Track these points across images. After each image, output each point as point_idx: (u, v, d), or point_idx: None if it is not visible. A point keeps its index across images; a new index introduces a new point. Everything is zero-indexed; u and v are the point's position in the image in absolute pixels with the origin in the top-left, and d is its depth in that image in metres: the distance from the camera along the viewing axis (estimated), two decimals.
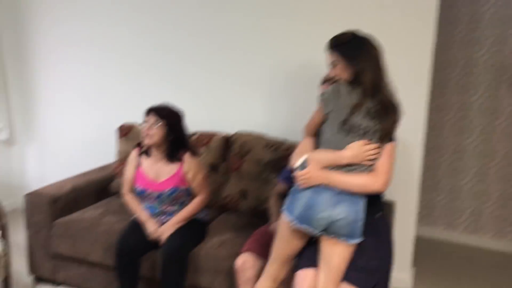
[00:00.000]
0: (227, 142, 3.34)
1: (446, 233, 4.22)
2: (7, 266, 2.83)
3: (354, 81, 2.10)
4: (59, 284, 3.17)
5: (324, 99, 2.16)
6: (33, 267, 3.17)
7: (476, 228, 4.13)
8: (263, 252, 2.48)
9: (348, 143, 2.09)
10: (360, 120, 2.08)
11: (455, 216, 4.18)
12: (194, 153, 2.84)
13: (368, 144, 2.09)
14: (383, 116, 2.09)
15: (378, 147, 2.11)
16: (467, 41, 3.89)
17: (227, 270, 2.62)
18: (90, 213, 3.12)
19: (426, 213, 4.26)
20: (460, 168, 4.11)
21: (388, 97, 2.12)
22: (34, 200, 3.05)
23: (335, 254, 2.16)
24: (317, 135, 2.26)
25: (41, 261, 3.13)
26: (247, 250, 2.52)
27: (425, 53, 3.00)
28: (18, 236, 3.69)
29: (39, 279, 3.21)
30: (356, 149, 2.08)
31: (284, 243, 2.26)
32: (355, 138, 2.09)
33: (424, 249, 3.98)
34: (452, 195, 4.17)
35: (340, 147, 2.11)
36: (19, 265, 3.37)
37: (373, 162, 2.13)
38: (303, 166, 2.11)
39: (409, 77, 3.00)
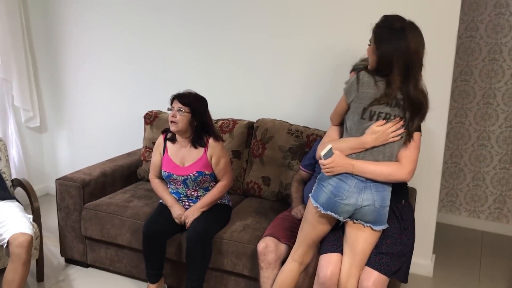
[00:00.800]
0: (250, 128, 3.38)
1: (469, 220, 4.21)
2: (39, 248, 2.95)
3: (379, 69, 2.06)
4: (88, 265, 3.27)
5: (346, 89, 2.14)
6: (64, 249, 3.28)
7: (500, 215, 4.11)
8: (285, 236, 2.54)
9: None
10: (382, 108, 2.06)
11: (478, 203, 4.17)
12: (218, 138, 2.88)
13: (385, 123, 2.07)
14: (408, 109, 2.06)
15: (398, 121, 2.07)
16: (493, 26, 3.84)
17: (250, 253, 2.67)
18: (118, 197, 3.21)
19: (449, 200, 4.25)
20: (484, 155, 4.08)
21: (415, 91, 2.03)
22: (65, 185, 3.15)
23: (360, 239, 2.19)
24: (342, 124, 2.26)
25: (71, 244, 3.24)
26: (269, 234, 2.56)
27: (449, 39, 2.97)
28: (51, 219, 3.82)
29: (70, 261, 3.32)
30: (376, 131, 2.07)
31: (310, 228, 2.28)
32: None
33: (447, 236, 3.97)
34: (476, 182, 4.14)
35: (362, 134, 2.11)
36: (52, 247, 3.50)
37: (399, 137, 2.09)
38: (328, 155, 2.11)
39: (432, 63, 2.96)
